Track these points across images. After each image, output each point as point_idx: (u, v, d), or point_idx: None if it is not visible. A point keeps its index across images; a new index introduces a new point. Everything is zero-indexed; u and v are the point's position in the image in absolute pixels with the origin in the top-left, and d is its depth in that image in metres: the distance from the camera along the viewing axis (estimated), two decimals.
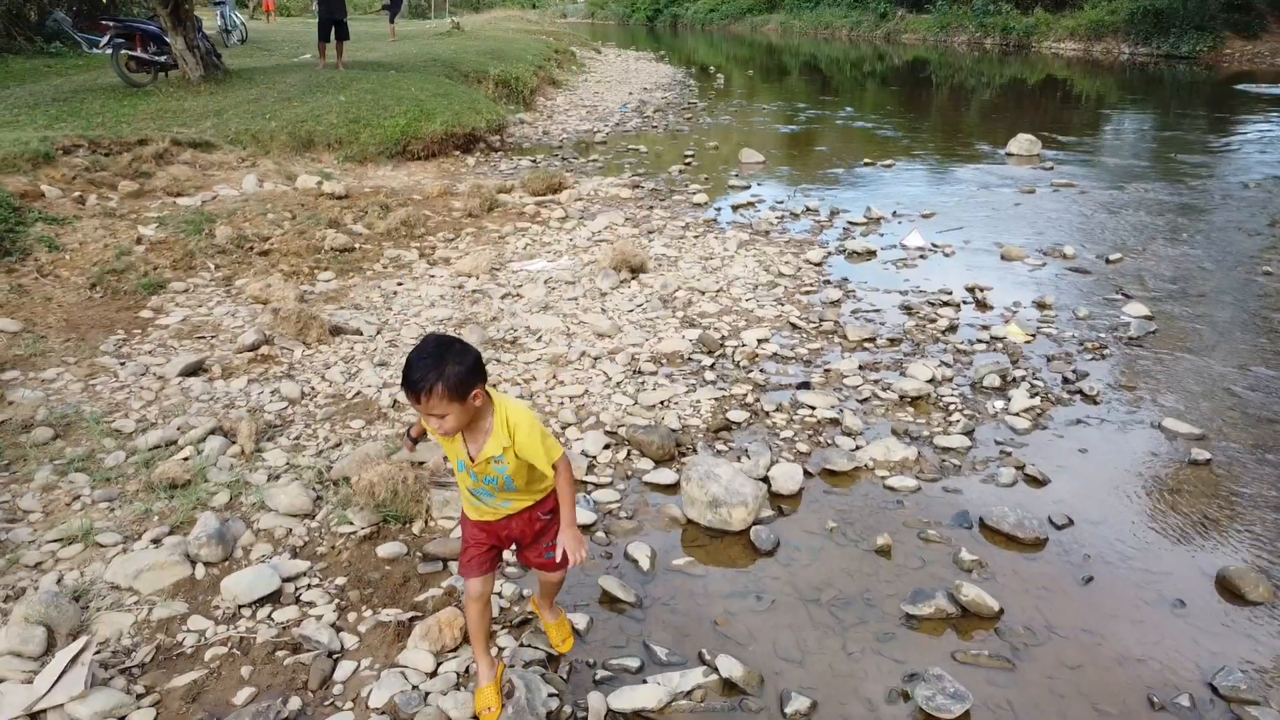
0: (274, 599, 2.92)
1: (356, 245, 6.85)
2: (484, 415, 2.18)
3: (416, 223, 7.51)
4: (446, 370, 2.01)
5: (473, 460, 2.21)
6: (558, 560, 2.43)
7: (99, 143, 8.31)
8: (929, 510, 3.49)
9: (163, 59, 11.87)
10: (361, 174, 9.58)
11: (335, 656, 2.70)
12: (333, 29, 13.06)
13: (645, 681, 2.58)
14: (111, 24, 11.62)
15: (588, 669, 2.67)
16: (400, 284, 6.10)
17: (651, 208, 8.40)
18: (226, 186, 8.10)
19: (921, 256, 6.87)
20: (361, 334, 5.17)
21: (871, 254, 6.91)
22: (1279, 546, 3.28)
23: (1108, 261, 6.68)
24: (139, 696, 2.54)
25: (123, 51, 11.64)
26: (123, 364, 4.70)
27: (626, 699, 2.51)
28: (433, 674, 2.62)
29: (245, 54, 17.02)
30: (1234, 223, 7.85)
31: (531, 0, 77.21)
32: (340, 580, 3.04)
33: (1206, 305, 5.81)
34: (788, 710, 2.50)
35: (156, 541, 3.16)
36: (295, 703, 2.52)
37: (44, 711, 2.46)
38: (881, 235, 7.43)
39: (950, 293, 5.93)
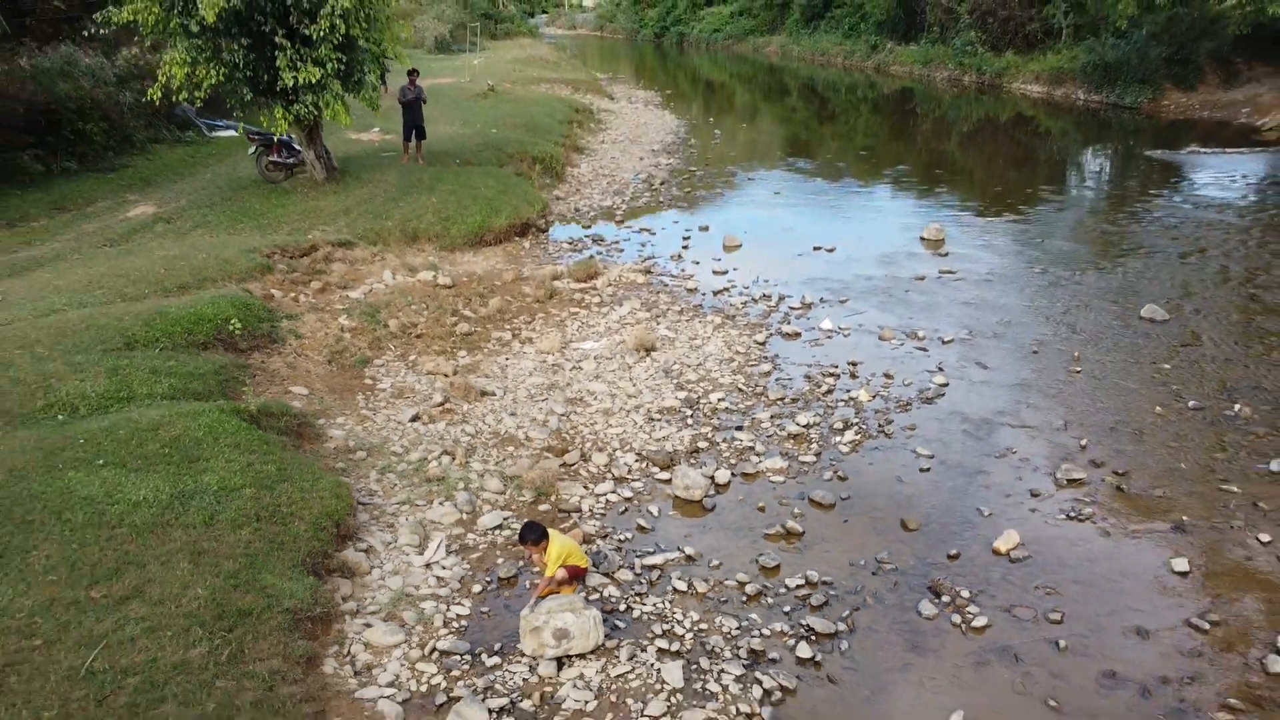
0: (500, 526, 7.05)
1: (473, 330, 10.99)
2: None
3: (506, 309, 11.66)
4: (536, 532, 5.98)
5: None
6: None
7: (287, 249, 12.43)
8: (787, 491, 7.61)
9: (292, 161, 15.99)
10: (454, 259, 13.67)
11: None
12: (414, 132, 17.16)
13: (655, 554, 6.72)
14: (256, 135, 15.72)
15: (633, 553, 6.80)
16: (507, 360, 10.23)
17: (658, 293, 12.51)
18: (373, 279, 12.22)
19: (829, 337, 10.96)
20: (495, 394, 9.31)
21: (798, 335, 11.01)
22: (949, 509, 7.37)
23: (943, 342, 10.77)
24: (469, 564, 6.67)
25: (265, 158, 15.78)
26: (374, 414, 8.84)
27: (647, 561, 6.65)
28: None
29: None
30: (1053, 312, 11.90)
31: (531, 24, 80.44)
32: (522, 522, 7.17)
33: (990, 375, 9.89)
34: (711, 564, 6.62)
35: (442, 503, 7.30)
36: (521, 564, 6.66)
37: (429, 565, 6.59)
38: (807, 319, 11.52)
39: (836, 366, 10.04)
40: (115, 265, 11.10)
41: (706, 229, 15.95)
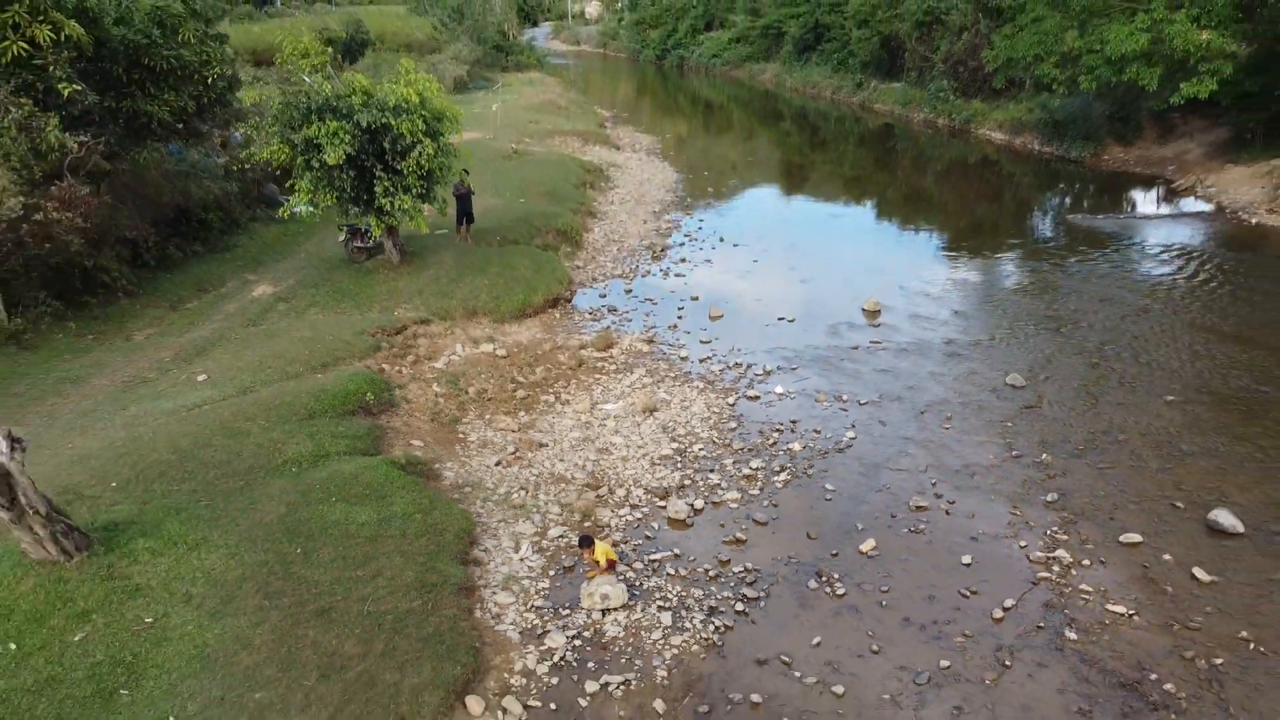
0: (562, 536, 11.68)
1: (527, 394, 15.62)
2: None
3: (549, 375, 16.30)
4: (588, 541, 10.63)
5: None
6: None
7: (385, 329, 17.05)
8: (739, 514, 12.25)
9: (371, 246, 20.60)
10: (504, 330, 18.26)
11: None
12: (464, 218, 21.78)
13: (656, 553, 11.38)
14: (345, 227, 20.31)
15: (643, 553, 11.44)
16: (553, 419, 14.87)
17: (659, 360, 17.13)
18: (449, 352, 16.84)
19: (780, 399, 15.58)
20: (548, 445, 13.94)
21: (758, 397, 15.63)
22: (838, 526, 11.98)
23: (860, 404, 15.38)
24: (545, 558, 11.32)
25: (352, 243, 20.41)
26: (470, 460, 13.48)
27: (652, 557, 11.31)
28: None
29: None
30: (945, 379, 16.48)
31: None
32: (575, 534, 11.80)
33: (886, 431, 14.50)
34: (689, 559, 11.27)
35: (524, 522, 11.95)
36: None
37: (522, 559, 11.24)
38: (766, 384, 16.13)
39: (781, 424, 14.65)
40: (271, 347, 15.71)
41: (697, 299, 20.57)
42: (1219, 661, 9.33)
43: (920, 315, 19.52)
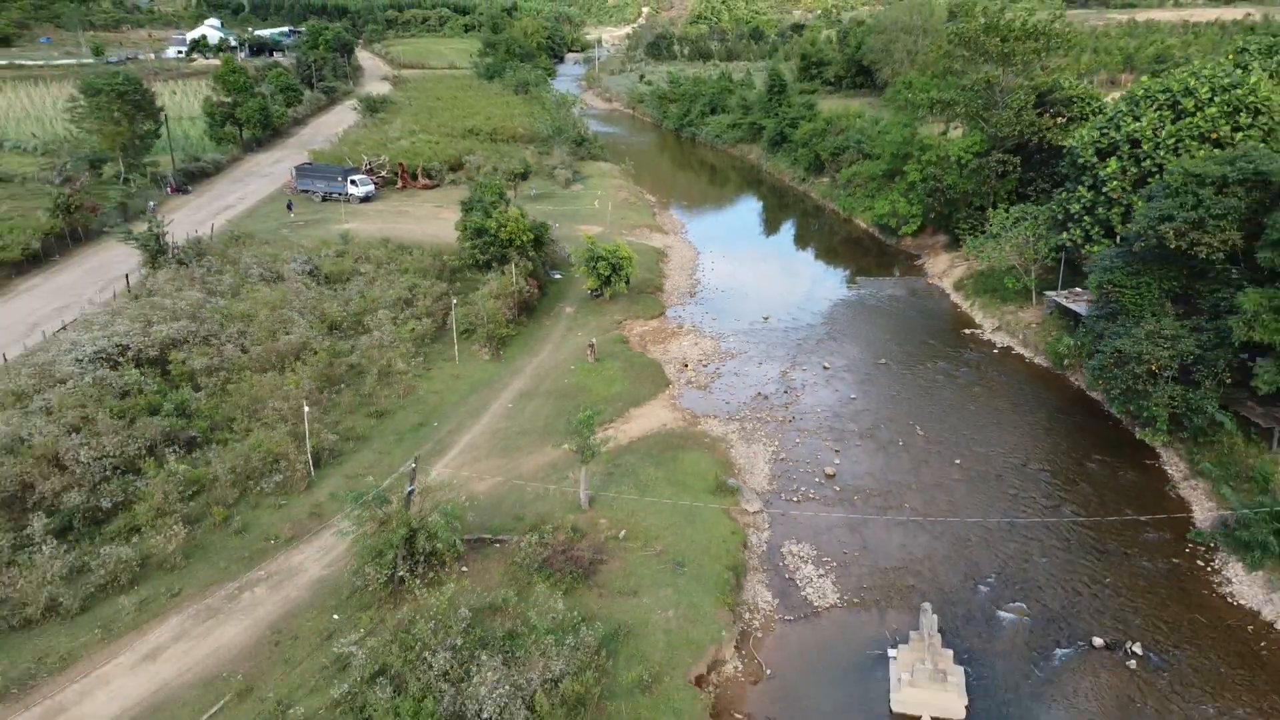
0: (677, 367, 56.31)
1: (662, 342, 60.42)
2: None
3: (668, 337, 61.16)
4: (684, 365, 55.41)
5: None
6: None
7: (617, 321, 61.76)
8: (720, 364, 56.94)
9: (598, 295, 65.15)
10: (648, 323, 63.31)
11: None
12: (626, 282, 66.22)
13: (699, 365, 56.22)
14: (594, 285, 64.66)
15: (703, 367, 56.17)
16: (670, 347, 59.70)
17: (697, 332, 61.88)
18: (637, 328, 61.64)
19: (733, 343, 60.22)
20: (670, 350, 58.68)
21: (727, 342, 60.31)
22: (742, 375, 56.51)
23: (754, 344, 59.97)
24: (675, 368, 56.03)
25: (594, 294, 65.11)
26: (653, 354, 58.23)
27: (700, 370, 56.12)
28: None
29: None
30: (774, 339, 60.94)
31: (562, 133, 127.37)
32: (681, 363, 56.46)
33: (759, 350, 59.06)
34: (705, 369, 55.97)
35: (670, 366, 56.60)
36: None
37: (674, 367, 55.85)
38: (729, 338, 60.86)
39: (732, 348, 59.41)
40: (588, 330, 60.32)
41: (708, 313, 65.35)
42: (808, 383, 53.78)
43: (783, 319, 64.42)
